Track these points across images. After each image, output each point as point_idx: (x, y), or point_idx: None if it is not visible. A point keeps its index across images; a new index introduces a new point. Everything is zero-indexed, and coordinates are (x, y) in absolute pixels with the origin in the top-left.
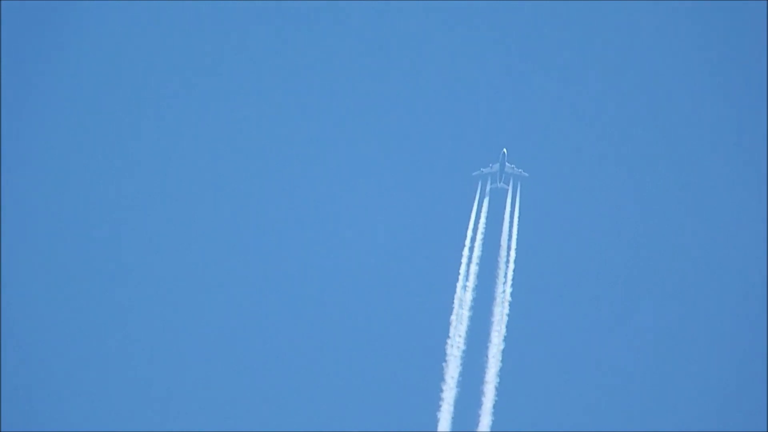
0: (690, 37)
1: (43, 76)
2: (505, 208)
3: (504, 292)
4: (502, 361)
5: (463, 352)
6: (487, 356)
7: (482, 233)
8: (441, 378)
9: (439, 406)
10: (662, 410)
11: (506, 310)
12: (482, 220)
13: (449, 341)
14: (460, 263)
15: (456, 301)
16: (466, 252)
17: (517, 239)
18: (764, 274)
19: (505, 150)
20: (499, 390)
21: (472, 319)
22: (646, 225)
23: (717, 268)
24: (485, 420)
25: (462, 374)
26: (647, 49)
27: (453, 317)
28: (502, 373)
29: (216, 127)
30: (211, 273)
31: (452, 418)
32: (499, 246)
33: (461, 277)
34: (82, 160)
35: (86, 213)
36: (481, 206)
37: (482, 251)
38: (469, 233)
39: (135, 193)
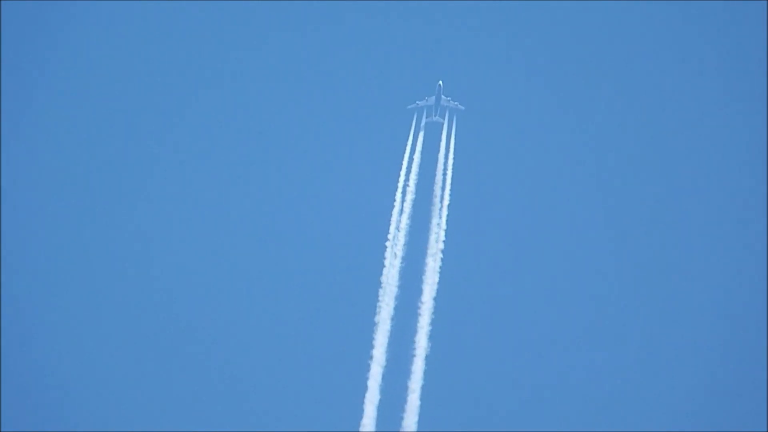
0: (690, 37)
1: (43, 76)
2: (440, 142)
3: (438, 235)
4: (434, 313)
5: (396, 297)
6: (419, 306)
7: (417, 169)
8: (371, 339)
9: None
10: (662, 410)
11: (439, 256)
12: (417, 155)
13: (381, 287)
14: (394, 200)
15: (389, 241)
16: (399, 188)
17: (453, 176)
18: (764, 274)
19: (440, 82)
20: (432, 346)
21: (404, 261)
22: (590, 169)
23: (716, 267)
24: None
25: (393, 327)
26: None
27: (385, 260)
28: (434, 325)
29: (215, 127)
30: (211, 272)
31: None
32: (433, 183)
33: (395, 215)
34: (82, 160)
35: (86, 213)
36: (416, 141)
37: (417, 188)
38: (404, 168)
39: (135, 192)
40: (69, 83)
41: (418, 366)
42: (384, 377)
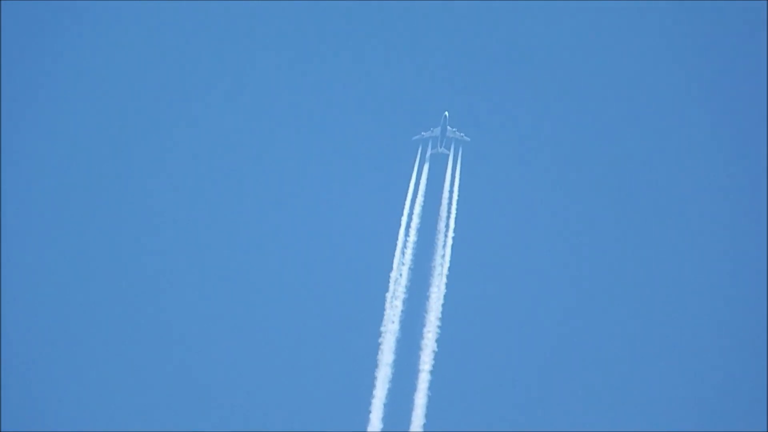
0: (690, 37)
1: (43, 76)
2: (445, 174)
3: (442, 265)
4: (438, 338)
5: (400, 326)
6: (422, 333)
7: (422, 200)
8: (375, 361)
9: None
10: (662, 410)
11: (444, 284)
12: (422, 186)
13: (385, 314)
14: (399, 231)
15: (393, 271)
16: (404, 220)
17: (457, 207)
18: (764, 274)
19: (446, 113)
20: (435, 367)
21: (408, 291)
22: (598, 197)
23: (716, 267)
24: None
25: (397, 353)
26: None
27: (390, 286)
28: (439, 349)
29: (214, 127)
30: (210, 272)
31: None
32: (438, 215)
33: (399, 246)
34: (82, 160)
35: (86, 213)
36: (421, 172)
37: (421, 219)
38: (408, 200)
39: (134, 192)
40: (69, 83)
41: (425, 368)
42: (391, 380)
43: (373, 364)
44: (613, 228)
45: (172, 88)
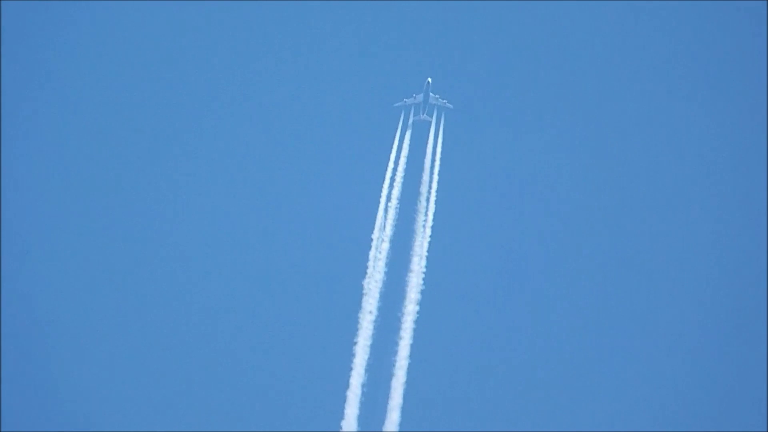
0: (690, 37)
1: (43, 76)
2: (427, 141)
3: (424, 231)
4: (419, 312)
5: (380, 296)
6: (402, 309)
7: (403, 168)
8: (354, 333)
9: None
10: (662, 410)
11: (425, 251)
12: (404, 153)
13: (364, 289)
14: (379, 199)
15: (374, 241)
16: (386, 186)
17: (439, 176)
18: (764, 274)
19: (429, 80)
20: (414, 348)
21: (388, 263)
22: (581, 165)
23: (716, 267)
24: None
25: (376, 327)
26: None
27: (370, 259)
28: (418, 324)
29: (208, 127)
30: (210, 271)
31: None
32: (420, 182)
33: (380, 212)
34: (81, 160)
35: (86, 213)
36: (403, 139)
37: (403, 186)
38: (390, 167)
39: (134, 192)
40: (69, 83)
41: (401, 365)
42: (366, 377)
43: (354, 330)
44: (605, 205)
45: (170, 86)
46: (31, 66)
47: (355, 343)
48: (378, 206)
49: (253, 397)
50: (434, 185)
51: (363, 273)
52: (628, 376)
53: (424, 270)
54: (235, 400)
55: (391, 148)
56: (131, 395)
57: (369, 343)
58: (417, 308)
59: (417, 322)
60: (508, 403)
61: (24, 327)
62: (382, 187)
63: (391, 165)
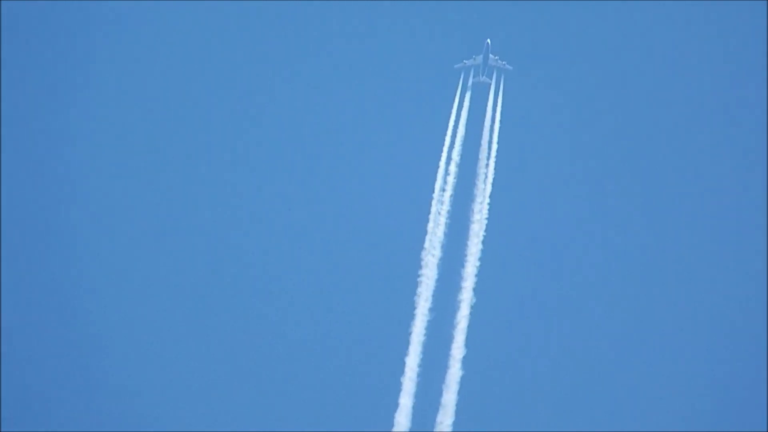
0: (690, 37)
1: (43, 76)
2: (487, 103)
3: (483, 194)
4: (477, 275)
5: (440, 260)
6: (462, 274)
7: (463, 130)
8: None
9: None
10: (662, 410)
11: (485, 216)
12: (463, 115)
13: (426, 241)
14: (440, 160)
15: (434, 200)
16: (445, 148)
17: (499, 138)
18: (764, 274)
19: (488, 41)
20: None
21: (449, 226)
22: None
23: (717, 265)
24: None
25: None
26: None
27: (430, 225)
28: (479, 282)
29: (212, 127)
30: (209, 271)
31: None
32: (479, 144)
33: (440, 175)
34: (81, 161)
35: (86, 213)
36: (463, 101)
37: (462, 149)
38: (450, 129)
39: (133, 193)
40: (69, 83)
41: (455, 363)
42: (419, 375)
43: (411, 307)
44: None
45: (179, 87)
46: (31, 66)
47: (410, 333)
48: (437, 169)
49: (307, 394)
50: (494, 148)
51: (422, 240)
52: (628, 376)
53: (484, 235)
54: (290, 396)
55: (451, 109)
56: (134, 395)
57: (421, 342)
58: (475, 279)
59: (471, 314)
60: (556, 400)
61: (24, 327)
62: (442, 148)
63: (450, 126)
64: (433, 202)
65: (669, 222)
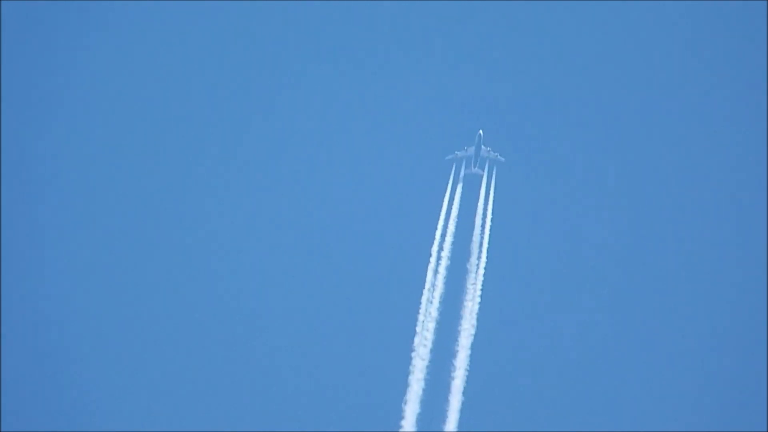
0: (690, 37)
1: (43, 76)
2: (479, 194)
3: (475, 285)
4: (470, 360)
5: (433, 344)
6: (454, 358)
7: (455, 221)
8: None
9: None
10: (662, 410)
11: (476, 307)
12: (455, 207)
13: (416, 337)
14: (431, 254)
15: (425, 294)
16: (437, 242)
17: (491, 229)
18: (764, 274)
19: (481, 132)
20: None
21: (441, 314)
22: (631, 217)
23: (716, 266)
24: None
25: (429, 370)
26: (630, 40)
27: (421, 313)
28: (471, 373)
29: (211, 127)
30: (209, 271)
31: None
32: (471, 237)
33: (432, 266)
34: (82, 160)
35: (86, 213)
36: (455, 192)
37: (454, 241)
38: (442, 220)
39: (133, 193)
40: (69, 83)
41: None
42: (425, 380)
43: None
44: (648, 244)
45: (179, 87)
46: (31, 66)
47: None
48: (428, 259)
49: (313, 397)
50: (486, 238)
51: (413, 327)
52: (628, 377)
53: (475, 326)
54: (295, 399)
55: (443, 200)
56: (134, 395)
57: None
58: (467, 361)
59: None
60: (565, 402)
61: (24, 327)
62: (434, 238)
63: (442, 217)
64: (424, 294)
65: (671, 232)
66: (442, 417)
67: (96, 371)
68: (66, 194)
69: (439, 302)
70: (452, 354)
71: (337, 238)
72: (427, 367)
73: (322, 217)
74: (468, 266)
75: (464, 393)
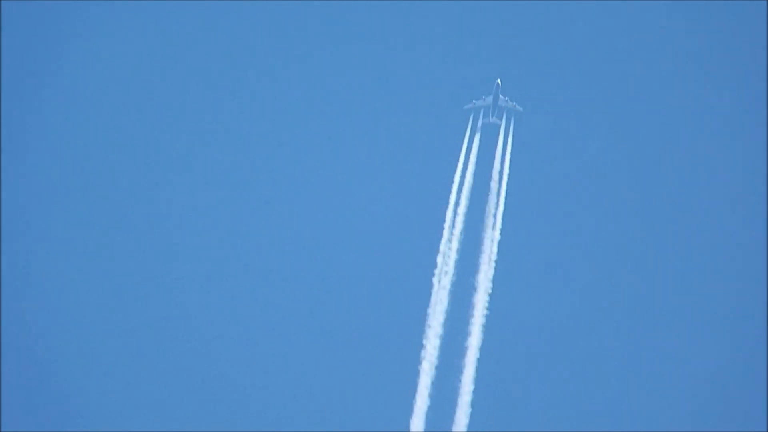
0: (690, 37)
1: (43, 76)
2: (497, 144)
3: (492, 240)
4: (487, 316)
5: (449, 295)
6: (471, 311)
7: (472, 171)
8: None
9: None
10: (662, 410)
11: (493, 261)
12: (473, 156)
13: (434, 283)
14: (448, 204)
15: (442, 244)
16: (454, 189)
17: (509, 180)
18: (764, 274)
19: (499, 81)
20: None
21: (457, 266)
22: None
23: (717, 266)
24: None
25: (445, 328)
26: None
27: (439, 258)
28: (486, 329)
29: (211, 126)
30: (209, 271)
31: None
32: (488, 188)
33: (449, 216)
34: (81, 161)
35: (85, 213)
36: (472, 142)
37: (471, 191)
38: (459, 170)
39: (132, 193)
40: (70, 83)
41: (470, 365)
42: (435, 378)
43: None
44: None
45: (179, 87)
46: (31, 66)
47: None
48: (446, 210)
49: (323, 396)
50: (503, 191)
51: (430, 282)
52: (629, 377)
53: (492, 279)
54: (302, 398)
55: (460, 150)
56: (134, 395)
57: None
58: (484, 319)
59: (483, 336)
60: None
61: (24, 327)
62: (450, 190)
63: (459, 168)
64: (441, 248)
65: (673, 237)
66: (450, 415)
67: (96, 371)
68: (66, 194)
69: (457, 254)
70: (466, 324)
71: (354, 189)
72: (439, 351)
73: (338, 171)
74: (485, 213)
75: (475, 381)
